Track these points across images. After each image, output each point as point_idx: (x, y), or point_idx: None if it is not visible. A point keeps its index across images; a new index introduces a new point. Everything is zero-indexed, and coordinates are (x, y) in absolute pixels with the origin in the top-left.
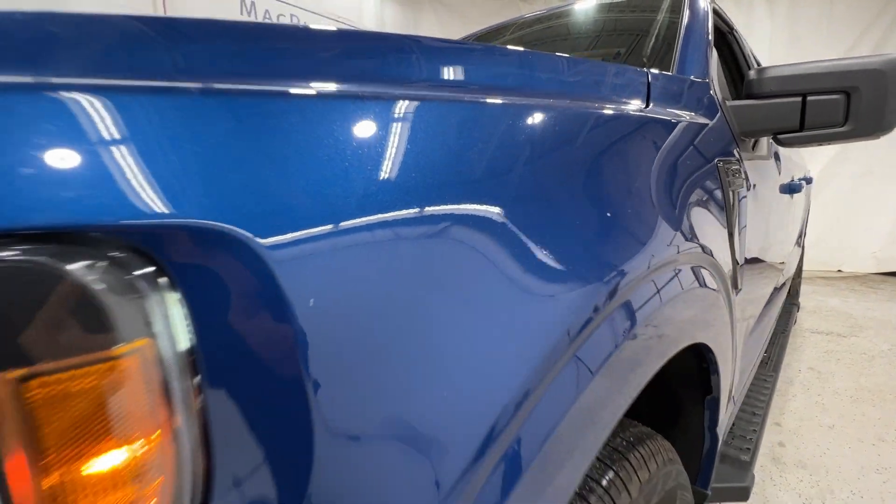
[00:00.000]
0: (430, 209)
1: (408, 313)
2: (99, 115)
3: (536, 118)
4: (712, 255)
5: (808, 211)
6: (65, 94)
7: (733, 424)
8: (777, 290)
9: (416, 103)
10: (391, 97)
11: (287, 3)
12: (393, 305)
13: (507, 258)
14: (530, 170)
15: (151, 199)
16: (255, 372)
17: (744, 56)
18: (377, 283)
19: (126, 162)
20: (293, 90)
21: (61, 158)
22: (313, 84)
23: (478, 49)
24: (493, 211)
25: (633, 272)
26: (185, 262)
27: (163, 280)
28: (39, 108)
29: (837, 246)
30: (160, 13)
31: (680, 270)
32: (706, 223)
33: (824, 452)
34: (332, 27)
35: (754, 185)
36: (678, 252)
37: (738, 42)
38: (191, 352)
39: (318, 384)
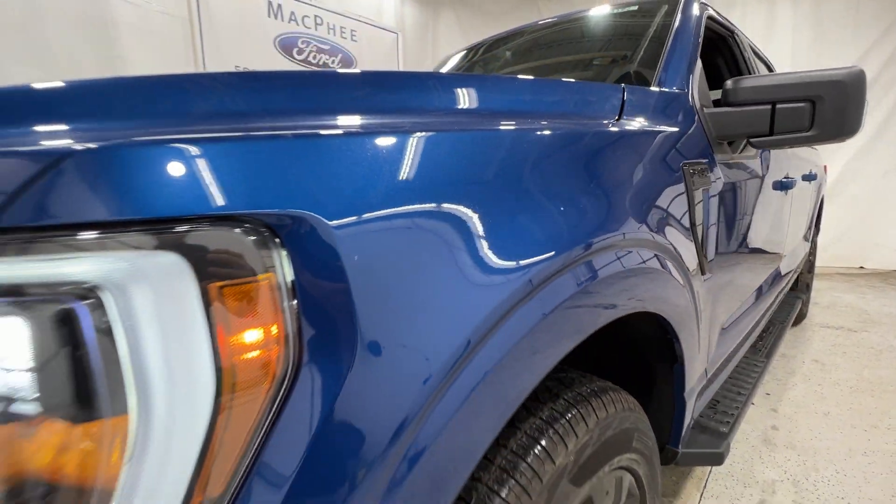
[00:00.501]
0: (432, 201)
1: (415, 264)
2: (240, 159)
3: (520, 134)
4: (667, 243)
5: (816, 207)
6: (229, 145)
7: (717, 402)
8: (772, 280)
9: (426, 125)
10: (405, 123)
11: (310, 4)
12: (404, 261)
13: (492, 232)
14: (512, 173)
15: (274, 199)
16: (325, 297)
17: (744, 58)
18: (396, 246)
19: (262, 183)
20: (337, 124)
21: (230, 184)
22: (348, 119)
23: (475, 79)
24: (481, 203)
25: (576, 249)
26: (291, 233)
27: (278, 242)
28: (225, 152)
29: (860, 243)
30: (194, 14)
31: (628, 252)
32: (660, 216)
33: (816, 436)
34: (359, 73)
35: (735, 184)
36: (623, 237)
37: (738, 45)
38: (292, 283)
39: (357, 304)
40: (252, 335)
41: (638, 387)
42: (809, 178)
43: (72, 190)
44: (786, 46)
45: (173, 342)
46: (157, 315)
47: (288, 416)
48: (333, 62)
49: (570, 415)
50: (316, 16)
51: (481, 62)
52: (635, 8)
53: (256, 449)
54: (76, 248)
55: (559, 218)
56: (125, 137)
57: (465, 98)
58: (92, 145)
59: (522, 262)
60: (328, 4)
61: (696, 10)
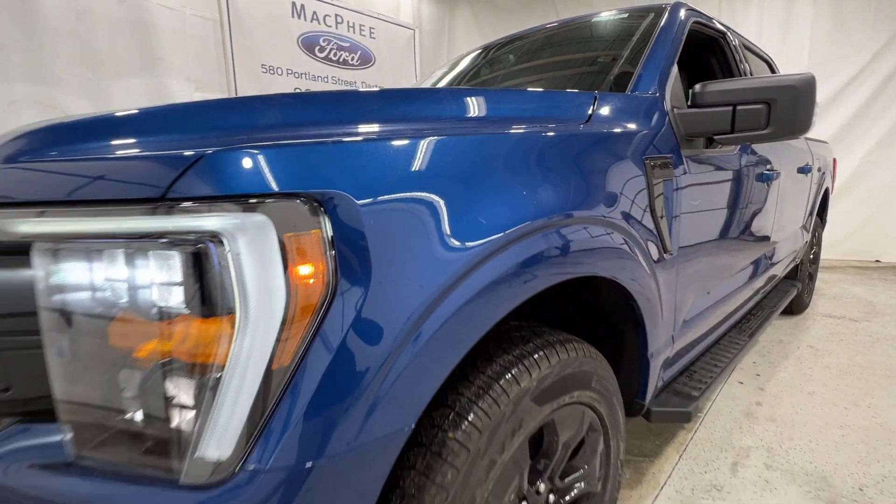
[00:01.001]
0: (427, 186)
1: (414, 227)
2: (296, 162)
3: (500, 136)
4: (622, 221)
5: (815, 199)
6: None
7: (694, 372)
8: (756, 266)
9: (425, 131)
10: (408, 129)
11: (331, 4)
12: (405, 225)
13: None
14: (491, 164)
15: (320, 183)
16: (351, 247)
17: (734, 56)
18: (401, 216)
19: (313, 172)
20: (359, 132)
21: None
22: (368, 128)
23: (467, 92)
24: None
25: (537, 221)
26: (330, 205)
27: (322, 210)
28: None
29: (877, 236)
30: (224, 16)
31: (589, 229)
32: (619, 200)
33: (796, 412)
34: (375, 92)
35: (708, 175)
36: (571, 216)
37: (729, 45)
38: (331, 237)
39: (371, 252)
40: (305, 268)
41: (613, 350)
42: (805, 170)
43: (206, 176)
44: (804, 38)
45: (261, 269)
46: (252, 252)
47: (327, 320)
48: (353, 59)
49: (536, 355)
50: (336, 14)
51: (489, 63)
52: (625, 15)
53: (309, 338)
54: (208, 211)
55: (522, 197)
56: (235, 143)
57: (458, 108)
58: (214, 149)
59: (497, 223)
60: (348, 3)
61: (680, 17)
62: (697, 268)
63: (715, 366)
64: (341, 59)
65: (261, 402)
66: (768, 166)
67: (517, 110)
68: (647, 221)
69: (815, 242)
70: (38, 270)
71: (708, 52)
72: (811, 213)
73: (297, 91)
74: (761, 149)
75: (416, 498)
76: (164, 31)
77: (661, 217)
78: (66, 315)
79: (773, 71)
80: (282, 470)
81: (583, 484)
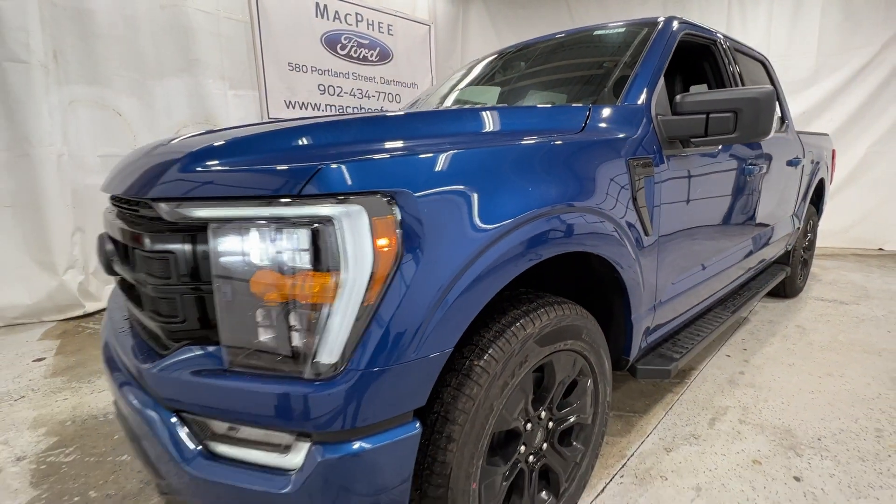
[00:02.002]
0: (465, 183)
1: (459, 209)
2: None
3: (509, 144)
4: (608, 211)
5: (805, 189)
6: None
7: (679, 339)
8: (739, 250)
9: (461, 142)
10: (446, 142)
11: (352, 3)
12: (451, 210)
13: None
14: (505, 167)
15: (393, 183)
16: (412, 227)
17: (724, 60)
18: (446, 204)
19: (389, 176)
20: (418, 146)
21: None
22: (424, 142)
23: (488, 110)
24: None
25: (540, 209)
26: (399, 198)
27: (394, 201)
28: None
29: (881, 225)
30: (254, 18)
31: (581, 215)
32: (603, 193)
33: (774, 380)
34: (425, 112)
35: (688, 171)
36: (568, 205)
37: (719, 50)
38: (400, 220)
39: (426, 230)
40: (383, 241)
41: (605, 315)
42: (794, 162)
43: (322, 181)
44: (813, 28)
45: (357, 241)
46: (352, 229)
47: (397, 274)
48: (372, 55)
49: (539, 310)
50: (357, 13)
51: (503, 68)
52: (623, 29)
53: (387, 286)
54: (324, 203)
55: (530, 191)
56: (340, 157)
57: (482, 124)
58: (327, 164)
59: (511, 210)
60: (367, 1)
61: (671, 31)
62: (676, 249)
63: (697, 335)
64: (361, 56)
65: (356, 327)
66: (749, 161)
67: (526, 123)
68: (631, 210)
69: (810, 230)
70: (211, 242)
71: (701, 58)
72: (802, 203)
73: (371, 113)
74: (744, 145)
75: (451, 404)
76: (201, 34)
77: (643, 207)
78: (227, 272)
79: (767, 70)
80: (369, 370)
81: (575, 416)
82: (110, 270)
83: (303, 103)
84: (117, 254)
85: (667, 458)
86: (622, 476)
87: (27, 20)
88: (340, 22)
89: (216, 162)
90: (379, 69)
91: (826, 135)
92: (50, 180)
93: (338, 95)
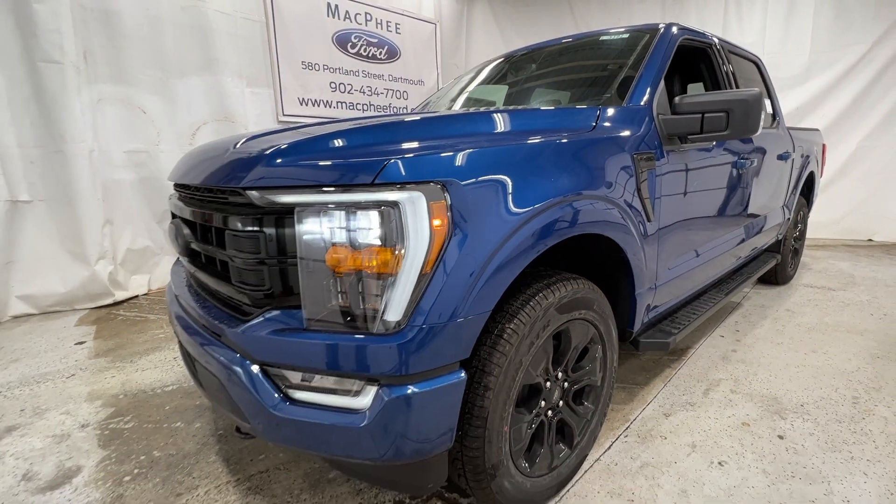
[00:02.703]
0: (500, 173)
1: (497, 193)
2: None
3: (533, 141)
4: (616, 199)
5: (795, 181)
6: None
7: (677, 318)
8: (731, 237)
9: (495, 139)
10: (482, 140)
11: (361, 3)
12: (491, 194)
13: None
14: (531, 161)
15: (444, 173)
16: (459, 210)
17: (719, 62)
18: (487, 191)
19: (441, 168)
20: (463, 144)
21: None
22: (468, 140)
23: (512, 112)
24: (520, 175)
25: (559, 197)
26: (449, 185)
27: (445, 189)
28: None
29: (871, 216)
30: (269, 18)
31: (593, 203)
32: (615, 184)
33: (764, 356)
34: (464, 113)
35: (686, 165)
36: (581, 194)
37: (715, 53)
38: (450, 204)
39: (471, 211)
40: (438, 221)
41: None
42: (784, 157)
43: (390, 172)
44: (807, 26)
45: (418, 221)
46: (413, 212)
47: (448, 248)
48: (381, 53)
49: (557, 284)
50: (366, 13)
51: (513, 69)
52: (626, 35)
53: (441, 258)
54: (392, 190)
55: (550, 181)
56: (405, 153)
57: (510, 124)
58: (394, 158)
59: (535, 197)
60: (376, 1)
61: (670, 36)
62: (673, 236)
63: (693, 314)
64: (370, 54)
65: (415, 292)
66: (742, 155)
67: (547, 123)
68: (636, 199)
69: (800, 220)
70: (297, 224)
71: (698, 60)
72: (792, 194)
73: (421, 113)
74: (737, 141)
75: (487, 360)
76: (219, 34)
77: (646, 197)
78: (310, 248)
79: (760, 70)
80: (428, 326)
81: (587, 377)
82: (187, 251)
83: (315, 100)
84: (194, 236)
85: (666, 422)
86: (626, 436)
87: (60, 22)
88: (350, 21)
89: (300, 157)
90: (387, 67)
91: (817, 130)
92: (82, 175)
93: (348, 93)
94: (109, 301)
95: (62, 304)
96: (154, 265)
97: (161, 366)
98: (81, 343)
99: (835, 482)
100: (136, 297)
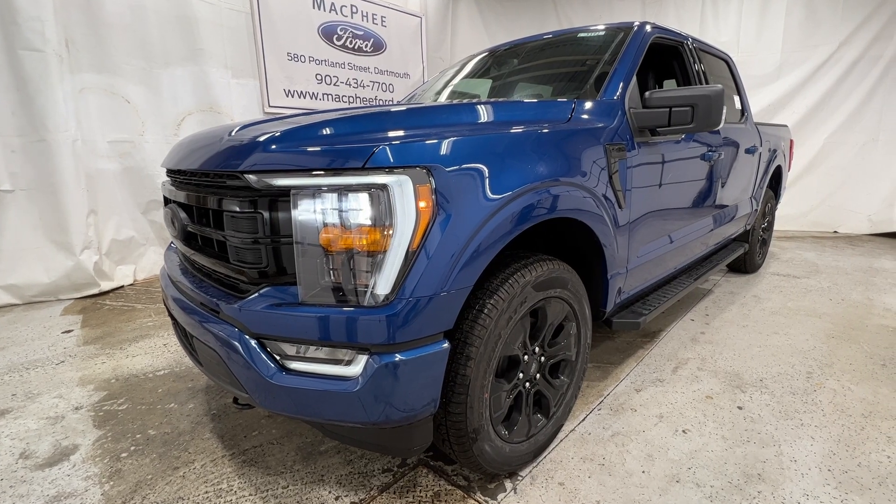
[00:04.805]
0: (479, 161)
1: (477, 178)
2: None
3: (512, 131)
4: (588, 186)
5: (762, 174)
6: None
7: (648, 300)
8: (700, 226)
9: (476, 129)
10: (466, 129)
11: None
12: (470, 180)
13: (503, 171)
14: (509, 150)
15: (429, 159)
16: (443, 193)
17: (690, 59)
18: (466, 176)
19: (425, 153)
20: (446, 132)
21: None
22: (451, 129)
23: (497, 104)
24: (497, 163)
25: (536, 182)
26: (434, 171)
27: (430, 173)
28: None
29: (836, 209)
30: (255, 9)
31: (568, 189)
32: (588, 172)
33: (729, 338)
34: (449, 105)
35: (663, 156)
36: (558, 181)
37: (686, 50)
38: (434, 188)
39: (453, 194)
40: (423, 203)
41: (587, 274)
42: (751, 150)
43: (380, 157)
44: (779, 26)
45: (404, 203)
46: (400, 194)
47: (432, 228)
48: (366, 46)
49: (534, 264)
50: (352, 5)
51: (496, 64)
52: (603, 31)
53: (426, 236)
54: (381, 174)
55: (528, 169)
56: (392, 140)
57: (491, 114)
58: (382, 145)
59: (513, 183)
60: None
61: (643, 34)
62: (643, 223)
63: (664, 297)
64: (356, 47)
65: (403, 267)
66: (710, 148)
67: (526, 115)
68: (608, 187)
69: (768, 212)
70: (291, 205)
71: (671, 57)
72: (760, 186)
73: (408, 104)
74: (706, 134)
75: (469, 332)
76: (204, 24)
77: (618, 185)
78: (304, 227)
79: (730, 68)
80: (414, 299)
81: (562, 352)
82: (184, 234)
83: (301, 92)
84: (190, 219)
85: (636, 396)
86: (600, 409)
87: (41, 9)
88: (336, 13)
89: (295, 142)
90: (373, 59)
91: (785, 126)
92: (65, 165)
93: (334, 85)
94: (95, 291)
95: (46, 295)
96: (139, 256)
97: (151, 352)
98: (69, 331)
99: (784, 445)
100: (122, 287)
